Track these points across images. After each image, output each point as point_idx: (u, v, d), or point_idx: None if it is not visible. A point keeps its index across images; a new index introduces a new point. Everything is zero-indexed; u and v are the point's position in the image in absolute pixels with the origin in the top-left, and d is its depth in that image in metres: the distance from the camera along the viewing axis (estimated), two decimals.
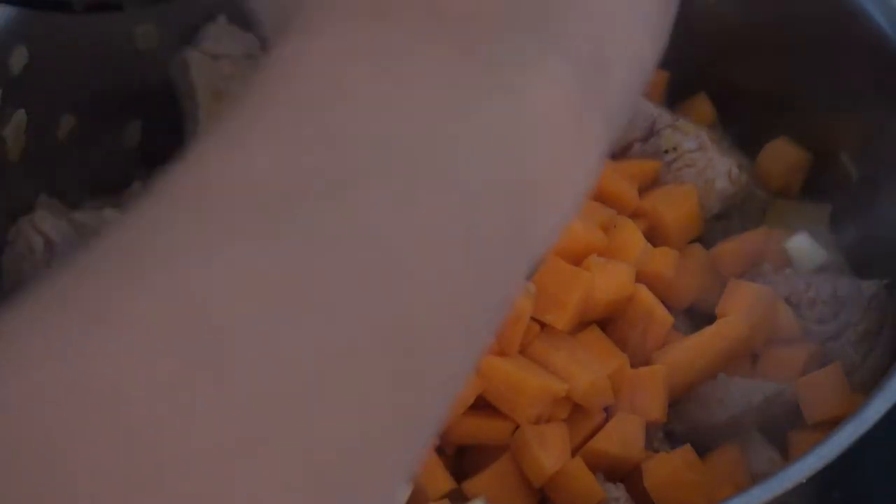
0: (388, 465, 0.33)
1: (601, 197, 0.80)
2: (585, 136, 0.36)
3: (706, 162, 0.84)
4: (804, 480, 0.63)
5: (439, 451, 0.73)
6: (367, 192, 0.32)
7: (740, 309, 0.77)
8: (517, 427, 0.72)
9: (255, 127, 0.33)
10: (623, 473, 0.73)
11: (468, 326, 0.34)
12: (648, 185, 0.84)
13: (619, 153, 0.85)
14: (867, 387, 0.74)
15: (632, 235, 0.78)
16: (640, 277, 0.77)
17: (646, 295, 0.76)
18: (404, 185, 0.33)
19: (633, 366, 0.75)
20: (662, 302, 0.77)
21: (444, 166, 0.34)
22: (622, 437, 0.72)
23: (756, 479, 0.73)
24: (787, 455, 0.75)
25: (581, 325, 0.75)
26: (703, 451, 0.74)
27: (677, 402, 0.76)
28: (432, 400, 0.34)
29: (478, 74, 0.35)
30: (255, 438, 0.29)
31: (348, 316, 0.31)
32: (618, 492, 0.71)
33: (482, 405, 0.72)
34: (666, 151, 0.85)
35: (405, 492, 0.70)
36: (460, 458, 0.74)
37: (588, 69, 0.37)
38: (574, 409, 0.73)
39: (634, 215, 0.81)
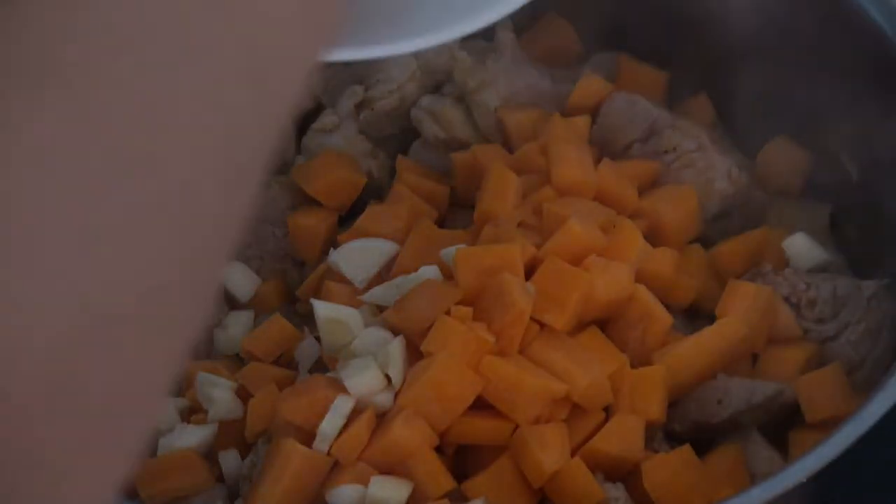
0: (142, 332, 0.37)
1: (601, 197, 0.80)
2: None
3: (706, 162, 0.84)
4: (804, 480, 0.63)
5: (439, 451, 0.73)
6: (129, 59, 0.37)
7: (740, 309, 0.77)
8: (517, 427, 0.72)
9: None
10: (623, 473, 0.73)
11: (228, 175, 0.39)
12: (648, 185, 0.84)
13: (619, 153, 0.86)
14: (867, 387, 0.74)
15: (631, 235, 0.78)
16: (639, 278, 0.77)
17: (645, 295, 0.76)
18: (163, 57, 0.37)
19: (633, 366, 0.75)
20: (662, 302, 0.77)
21: (190, 41, 0.38)
22: (622, 437, 0.72)
23: (756, 479, 0.73)
24: (787, 455, 0.75)
25: (581, 326, 0.75)
26: (703, 451, 0.74)
27: (677, 402, 0.76)
28: (202, 243, 0.38)
29: None
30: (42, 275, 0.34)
31: (120, 185, 0.35)
32: (618, 492, 0.71)
33: (482, 406, 0.72)
34: (666, 151, 0.85)
35: (405, 491, 0.71)
36: (460, 458, 0.74)
37: None
38: (574, 410, 0.73)
39: (634, 215, 0.81)
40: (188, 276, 0.38)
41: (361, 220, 0.82)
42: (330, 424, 0.71)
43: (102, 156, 0.35)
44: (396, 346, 0.73)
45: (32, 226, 0.34)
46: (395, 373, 0.72)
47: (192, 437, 0.76)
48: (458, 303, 0.73)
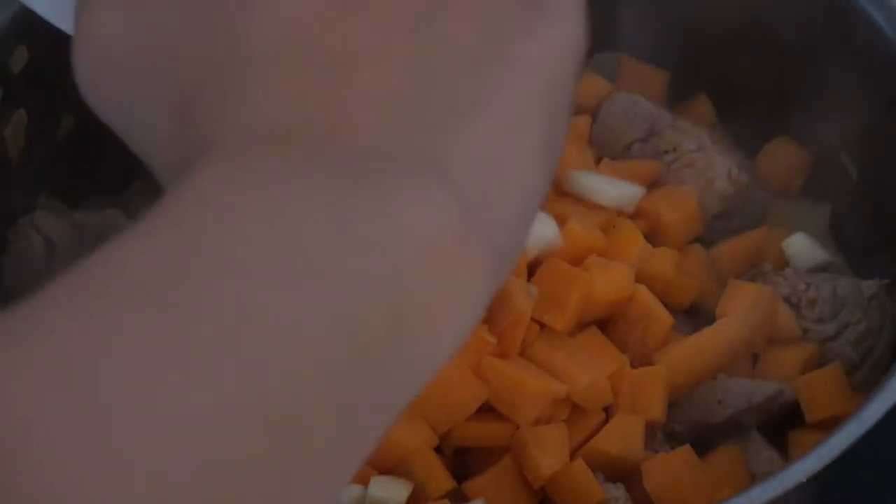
0: None
1: None
2: (468, 266, 0.38)
3: (706, 162, 0.84)
4: (804, 480, 0.63)
5: (439, 450, 0.73)
6: (246, 281, 0.34)
7: (740, 309, 0.77)
8: (517, 428, 0.72)
9: (138, 243, 0.35)
10: (623, 473, 0.73)
11: (341, 424, 0.36)
12: (648, 185, 0.84)
13: (619, 153, 0.86)
14: (867, 387, 0.74)
15: (631, 236, 0.78)
16: (639, 278, 0.77)
17: (646, 295, 0.76)
18: (283, 280, 0.34)
19: (633, 366, 0.75)
20: (662, 302, 0.77)
21: (321, 273, 0.35)
22: (622, 437, 0.72)
23: (756, 479, 0.73)
24: (787, 455, 0.75)
25: (581, 326, 0.75)
26: (703, 451, 0.74)
27: (677, 402, 0.76)
28: (298, 488, 0.35)
29: (359, 200, 0.36)
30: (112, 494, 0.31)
31: (218, 394, 0.33)
32: (618, 492, 0.71)
33: (483, 408, 0.72)
34: (666, 152, 0.85)
35: (405, 491, 0.71)
36: (461, 458, 0.74)
37: (473, 203, 0.38)
38: (574, 410, 0.73)
39: (634, 215, 0.81)
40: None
41: None
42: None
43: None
44: None
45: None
46: None
47: None
48: None
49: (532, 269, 0.75)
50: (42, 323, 0.33)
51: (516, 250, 0.41)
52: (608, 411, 0.74)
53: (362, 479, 0.70)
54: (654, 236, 0.80)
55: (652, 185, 0.84)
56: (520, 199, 0.40)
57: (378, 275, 0.35)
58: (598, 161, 0.83)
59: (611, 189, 0.80)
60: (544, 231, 0.75)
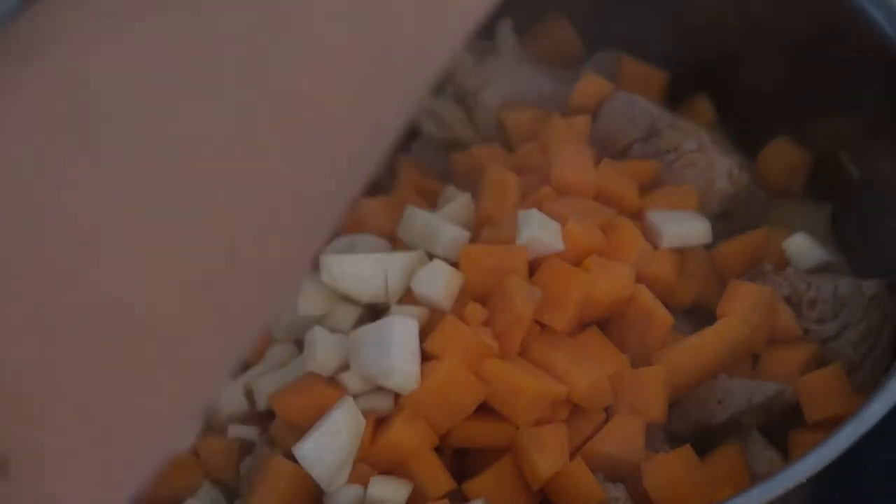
0: (277, 246, 0.34)
1: (601, 197, 0.80)
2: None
3: (706, 162, 0.84)
4: (804, 480, 0.63)
5: (438, 451, 0.73)
6: None
7: (740, 309, 0.77)
8: (518, 429, 0.72)
9: None
10: (623, 474, 0.73)
11: (366, 107, 0.36)
12: (648, 185, 0.83)
13: (619, 153, 0.86)
14: (867, 387, 0.74)
15: (631, 236, 0.78)
16: (640, 278, 0.77)
17: (646, 295, 0.76)
18: None
19: (633, 366, 0.75)
20: (662, 302, 0.77)
21: None
22: (622, 437, 0.72)
23: (756, 479, 0.73)
24: (787, 455, 0.75)
25: (581, 326, 0.75)
26: (703, 451, 0.74)
27: (677, 402, 0.76)
28: (326, 180, 0.35)
29: None
30: (122, 212, 0.31)
31: (240, 95, 0.33)
32: (618, 492, 0.71)
33: (483, 408, 0.72)
34: (666, 151, 0.85)
35: (405, 491, 0.71)
36: (460, 458, 0.74)
37: None
38: (574, 410, 0.73)
39: (634, 215, 0.81)
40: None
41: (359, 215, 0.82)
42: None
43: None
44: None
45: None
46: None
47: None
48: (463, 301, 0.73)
49: (532, 269, 0.75)
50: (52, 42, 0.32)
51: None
52: (608, 411, 0.74)
53: (362, 480, 0.70)
54: None
55: (652, 184, 0.84)
56: None
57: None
58: (597, 161, 0.83)
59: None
60: (546, 235, 0.75)
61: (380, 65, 0.36)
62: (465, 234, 0.77)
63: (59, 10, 0.33)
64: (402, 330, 0.71)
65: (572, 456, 0.72)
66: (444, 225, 0.77)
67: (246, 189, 0.33)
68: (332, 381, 0.73)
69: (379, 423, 0.72)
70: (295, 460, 0.70)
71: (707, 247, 0.83)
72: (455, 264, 0.75)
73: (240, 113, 0.33)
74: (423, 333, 0.72)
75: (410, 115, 0.38)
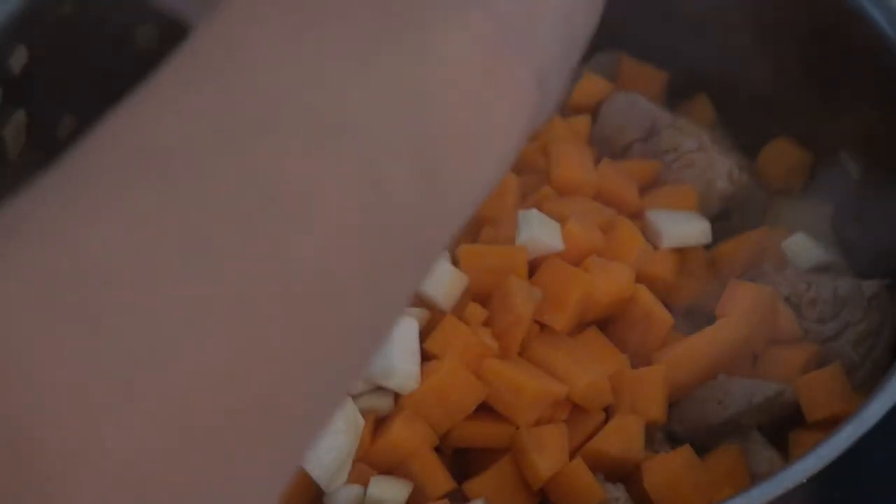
0: (283, 413, 0.33)
1: (601, 197, 0.80)
2: (506, 86, 0.36)
3: (706, 162, 0.84)
4: (804, 480, 0.63)
5: (438, 451, 0.73)
6: (264, 143, 0.33)
7: (740, 309, 0.77)
8: (518, 429, 0.72)
9: (162, 89, 0.35)
10: (623, 473, 0.73)
11: (373, 281, 0.34)
12: (648, 185, 0.83)
13: (619, 153, 0.86)
14: (867, 387, 0.74)
15: (631, 236, 0.78)
16: (639, 278, 0.77)
17: (645, 295, 0.76)
18: (304, 136, 0.33)
19: (633, 366, 0.75)
20: (662, 302, 0.77)
21: (343, 117, 0.34)
22: (622, 437, 0.72)
23: (756, 479, 0.73)
24: (787, 455, 0.75)
25: (581, 326, 0.75)
26: (703, 451, 0.74)
27: (677, 402, 0.76)
28: (330, 353, 0.34)
29: (385, 30, 0.35)
30: (125, 384, 0.30)
31: (240, 265, 0.31)
32: (618, 492, 0.71)
33: (482, 408, 0.72)
34: (666, 151, 0.85)
35: (405, 491, 0.71)
36: (460, 458, 0.74)
37: (510, 22, 0.37)
38: (574, 410, 0.73)
39: (634, 215, 0.81)
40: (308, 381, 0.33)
41: None
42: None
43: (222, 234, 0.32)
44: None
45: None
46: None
47: None
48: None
49: (532, 269, 0.75)
50: (41, 224, 0.31)
51: (558, 83, 0.39)
52: (608, 411, 0.74)
53: (362, 480, 0.70)
54: None
55: (652, 184, 0.84)
56: (558, 24, 0.39)
57: (407, 111, 0.34)
58: (597, 161, 0.83)
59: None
60: (546, 235, 0.75)
61: (386, 241, 0.34)
62: None
63: (50, 191, 0.33)
64: (402, 330, 0.71)
65: (572, 456, 0.72)
66: None
67: (243, 360, 0.32)
68: None
69: (379, 423, 0.72)
70: None
71: (707, 247, 0.83)
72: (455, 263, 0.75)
73: (239, 282, 0.32)
74: (423, 333, 0.72)
75: (417, 288, 0.37)
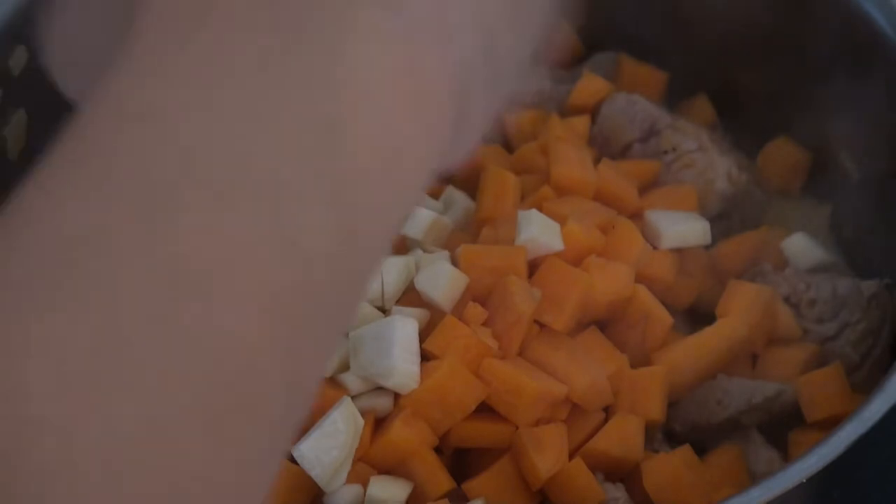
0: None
1: (601, 197, 0.80)
2: (418, 92, 0.36)
3: (706, 162, 0.84)
4: (804, 480, 0.63)
5: (438, 450, 0.73)
6: (166, 222, 0.33)
7: (740, 309, 0.77)
8: (517, 429, 0.72)
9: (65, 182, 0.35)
10: (623, 473, 0.73)
11: (292, 342, 0.35)
12: (648, 185, 0.84)
13: (619, 153, 0.86)
14: (867, 386, 0.74)
15: (631, 236, 0.78)
16: (639, 278, 0.77)
17: (645, 295, 0.76)
18: (208, 207, 0.33)
19: (632, 366, 0.75)
20: (662, 302, 0.77)
21: (248, 174, 0.34)
22: (622, 437, 0.72)
23: (756, 479, 0.73)
24: (787, 455, 0.75)
25: (580, 326, 0.75)
26: (703, 451, 0.74)
27: (677, 401, 0.76)
28: (250, 419, 0.34)
29: (296, 42, 0.35)
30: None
31: (153, 351, 0.32)
32: (618, 492, 0.71)
33: (482, 408, 0.72)
34: (666, 152, 0.85)
35: (405, 491, 0.70)
36: (460, 458, 0.74)
37: (420, 17, 0.37)
38: (573, 410, 0.73)
39: (634, 215, 0.81)
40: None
41: None
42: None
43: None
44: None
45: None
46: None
47: None
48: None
49: (532, 269, 0.75)
50: None
51: (483, 101, 0.39)
52: (608, 411, 0.74)
53: (362, 479, 0.70)
54: None
55: (652, 184, 0.84)
56: (478, 33, 0.38)
57: (317, 147, 0.34)
58: (597, 161, 0.83)
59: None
60: (546, 235, 0.75)
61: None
62: (432, 214, 0.77)
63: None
64: (402, 330, 0.71)
65: (572, 456, 0.72)
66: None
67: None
68: (332, 381, 0.73)
69: (379, 422, 0.72)
70: (294, 460, 0.70)
71: (706, 247, 0.83)
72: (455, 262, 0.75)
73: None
74: (423, 333, 0.72)
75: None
